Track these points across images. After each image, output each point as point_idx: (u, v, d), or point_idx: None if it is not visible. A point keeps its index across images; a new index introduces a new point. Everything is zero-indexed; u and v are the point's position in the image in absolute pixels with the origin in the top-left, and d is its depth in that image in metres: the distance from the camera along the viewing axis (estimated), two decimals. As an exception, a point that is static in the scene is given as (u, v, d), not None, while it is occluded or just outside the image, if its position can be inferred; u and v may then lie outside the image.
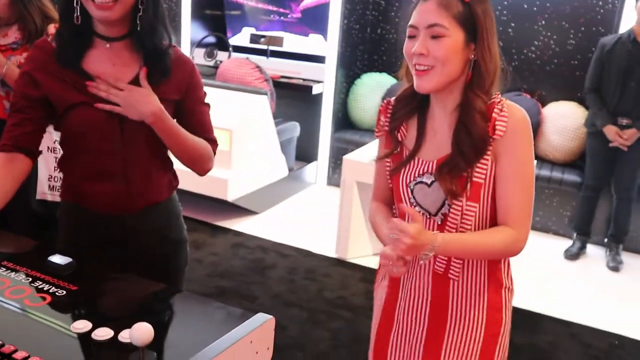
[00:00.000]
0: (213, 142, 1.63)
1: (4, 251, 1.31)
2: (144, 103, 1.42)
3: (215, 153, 1.63)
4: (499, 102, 1.32)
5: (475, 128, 1.29)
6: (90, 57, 1.47)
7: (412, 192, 1.39)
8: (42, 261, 1.22)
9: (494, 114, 1.30)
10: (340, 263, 3.56)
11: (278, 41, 5.06)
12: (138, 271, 1.33)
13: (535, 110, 4.16)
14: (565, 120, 4.10)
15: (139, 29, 1.43)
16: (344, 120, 4.89)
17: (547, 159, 4.21)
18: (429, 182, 1.36)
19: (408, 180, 1.40)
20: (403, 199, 1.41)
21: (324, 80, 4.70)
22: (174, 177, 1.64)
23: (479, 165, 1.31)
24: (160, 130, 1.46)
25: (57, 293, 1.11)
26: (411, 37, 1.30)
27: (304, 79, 4.79)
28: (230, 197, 3.90)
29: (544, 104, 4.28)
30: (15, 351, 0.84)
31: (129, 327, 0.94)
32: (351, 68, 4.83)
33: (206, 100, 1.63)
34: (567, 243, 4.00)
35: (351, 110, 4.85)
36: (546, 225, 4.24)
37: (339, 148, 4.70)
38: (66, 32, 1.44)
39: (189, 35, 5.26)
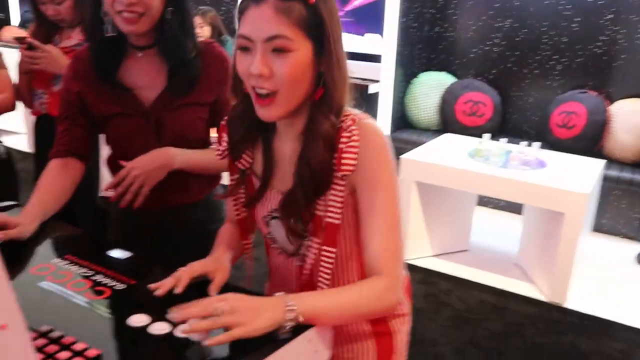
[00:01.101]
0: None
1: (67, 245, 1.34)
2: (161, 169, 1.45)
3: None
4: (349, 125, 1.05)
5: (316, 159, 1.05)
6: (125, 67, 1.50)
7: (268, 226, 1.20)
8: (103, 255, 1.23)
9: (340, 145, 1.05)
10: (398, 264, 3.49)
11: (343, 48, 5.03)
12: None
13: (601, 108, 3.99)
14: (635, 117, 3.91)
15: (163, 39, 1.44)
16: (402, 120, 4.82)
17: (615, 159, 4.02)
18: (280, 218, 1.15)
19: (264, 214, 1.19)
20: (261, 233, 1.25)
21: (380, 80, 4.65)
22: (215, 177, 1.65)
23: (330, 203, 1.09)
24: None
25: (116, 287, 1.12)
26: (243, 49, 1.02)
27: (360, 78, 4.75)
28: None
29: (611, 101, 4.09)
30: (74, 342, 0.85)
31: (185, 322, 0.94)
32: (409, 67, 4.75)
33: None
34: (637, 247, 3.81)
35: (409, 110, 4.77)
36: (615, 228, 4.05)
37: (397, 148, 4.60)
38: (100, 44, 1.47)
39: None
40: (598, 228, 4.09)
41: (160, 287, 1.08)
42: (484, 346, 2.73)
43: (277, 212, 1.14)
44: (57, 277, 1.14)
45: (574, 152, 3.75)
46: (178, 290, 1.07)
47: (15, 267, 1.19)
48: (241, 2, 1.03)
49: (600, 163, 3.45)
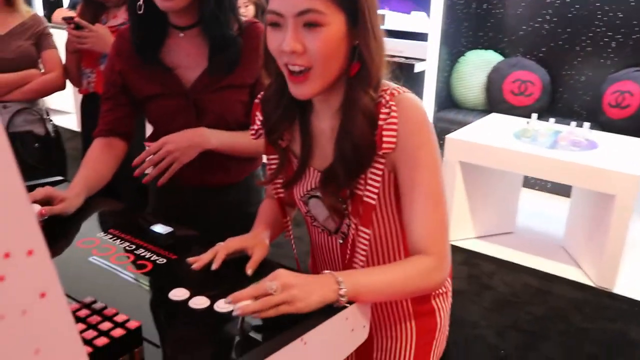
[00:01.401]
0: None
1: (111, 219, 1.37)
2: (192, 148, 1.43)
3: None
4: (387, 100, 1.02)
5: (358, 133, 1.02)
6: (167, 47, 1.49)
7: (307, 205, 1.18)
8: (145, 230, 1.26)
9: (380, 122, 1.02)
10: (440, 246, 3.46)
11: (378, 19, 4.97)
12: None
13: (659, 87, 3.82)
14: (694, 97, 3.73)
15: (204, 19, 1.41)
16: (447, 99, 4.74)
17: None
18: (320, 195, 1.13)
19: (301, 194, 1.17)
20: (301, 212, 1.22)
21: (427, 58, 4.57)
22: (255, 158, 1.64)
23: (369, 182, 1.06)
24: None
25: (158, 261, 1.14)
26: (274, 25, 0.99)
27: (405, 57, 4.68)
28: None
29: (669, 80, 3.92)
30: (116, 314, 0.87)
31: (225, 297, 0.95)
32: (455, 45, 4.66)
33: None
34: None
35: (455, 89, 4.69)
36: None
37: (442, 128, 4.56)
38: (139, 23, 1.45)
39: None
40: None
41: (198, 261, 1.09)
42: (527, 330, 2.68)
43: (317, 190, 1.13)
44: (101, 251, 1.17)
45: (627, 133, 3.61)
46: (215, 266, 1.08)
47: (61, 240, 1.23)
48: None
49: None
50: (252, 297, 0.92)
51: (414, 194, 1.04)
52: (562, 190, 3.99)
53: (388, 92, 1.04)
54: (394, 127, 1.02)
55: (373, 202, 1.07)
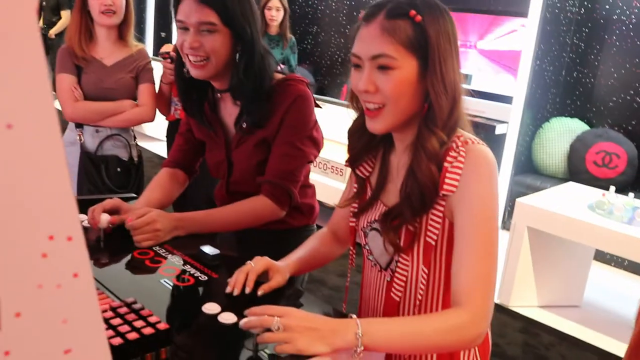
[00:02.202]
0: (274, 190, 1.53)
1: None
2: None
3: (286, 201, 1.55)
4: (458, 145, 1.07)
5: (422, 174, 1.06)
6: (220, 104, 1.61)
7: (366, 237, 1.22)
8: (195, 249, 1.38)
9: (445, 163, 1.06)
10: (500, 309, 3.39)
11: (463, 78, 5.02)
12: None
13: None
14: None
15: (232, 85, 1.49)
16: (527, 164, 4.68)
17: None
18: (381, 230, 1.16)
19: (364, 224, 1.22)
20: (360, 243, 1.26)
21: (509, 121, 4.56)
22: (312, 211, 1.74)
23: (430, 222, 1.10)
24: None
25: (200, 278, 1.25)
26: (356, 66, 1.09)
27: (487, 118, 4.69)
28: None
29: None
30: (150, 315, 0.98)
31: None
32: (539, 110, 4.62)
33: (302, 146, 1.54)
34: None
35: (536, 154, 4.63)
36: None
37: (517, 192, 4.50)
38: (184, 83, 1.56)
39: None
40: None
41: (236, 286, 1.19)
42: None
43: (378, 223, 1.18)
44: (153, 262, 1.31)
45: None
46: (248, 290, 1.18)
47: (122, 249, 1.37)
48: (357, 23, 1.11)
49: None
50: (259, 325, 0.98)
51: (466, 241, 1.05)
52: (638, 268, 3.81)
53: (462, 138, 1.09)
54: (459, 171, 1.06)
55: (433, 242, 1.11)
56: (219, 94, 1.59)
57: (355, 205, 1.28)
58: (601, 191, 3.51)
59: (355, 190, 1.28)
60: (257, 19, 1.49)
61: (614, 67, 4.37)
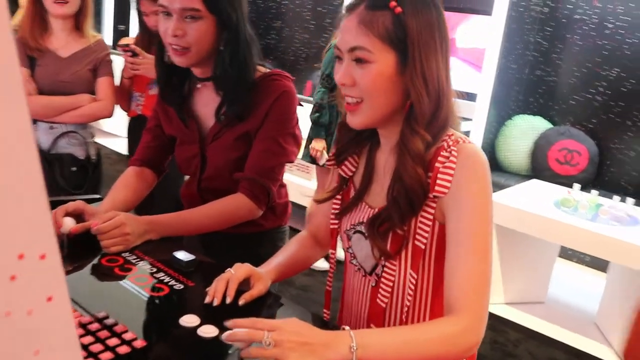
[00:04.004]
0: (253, 188, 1.46)
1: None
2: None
3: (264, 200, 1.48)
4: (449, 145, 1.02)
5: (408, 177, 1.02)
6: (192, 96, 1.54)
7: (350, 240, 1.18)
8: (169, 255, 1.30)
9: (437, 164, 1.02)
10: (468, 307, 3.39)
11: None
12: None
13: None
14: None
15: (216, 74, 1.43)
16: (491, 161, 4.68)
17: None
18: (366, 233, 1.12)
19: (347, 227, 1.18)
20: (342, 246, 1.21)
21: (473, 119, 4.58)
22: (285, 211, 1.68)
23: (419, 225, 1.05)
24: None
25: (175, 287, 1.17)
26: (338, 58, 1.06)
27: (452, 115, 4.69)
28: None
29: None
30: (125, 331, 0.90)
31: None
32: (503, 108, 4.66)
33: (284, 143, 1.47)
34: None
35: (499, 152, 4.66)
36: None
37: (481, 189, 4.53)
38: (164, 70, 1.50)
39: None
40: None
41: (215, 297, 1.11)
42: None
43: (364, 226, 1.13)
44: (123, 270, 1.21)
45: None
46: (229, 299, 1.11)
47: (89, 256, 1.28)
48: (340, 13, 1.07)
49: None
50: (247, 340, 0.90)
51: (460, 244, 1.00)
52: (601, 264, 3.87)
53: (453, 137, 1.05)
54: (451, 171, 1.02)
55: (423, 246, 1.07)
56: (198, 83, 1.51)
57: (337, 206, 1.22)
58: (565, 188, 3.55)
59: (333, 188, 1.23)
60: (244, 5, 1.43)
61: (576, 66, 4.43)
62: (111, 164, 2.69)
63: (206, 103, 1.51)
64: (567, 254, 4.16)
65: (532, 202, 3.31)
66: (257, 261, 1.29)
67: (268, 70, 1.50)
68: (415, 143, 1.02)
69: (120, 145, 5.64)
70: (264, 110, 1.45)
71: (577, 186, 3.35)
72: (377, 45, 0.99)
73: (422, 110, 1.01)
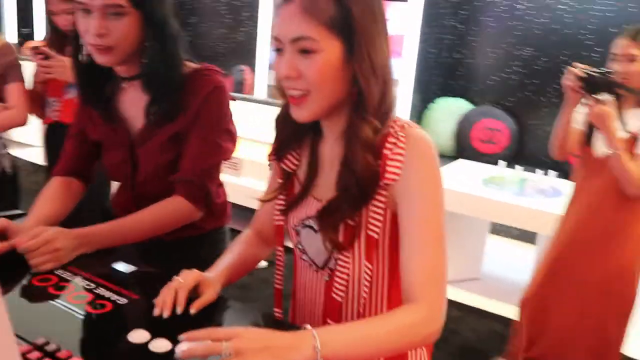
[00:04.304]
0: (190, 189, 1.39)
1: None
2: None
3: (203, 201, 1.42)
4: (396, 131, 1.01)
5: (358, 164, 0.99)
6: (116, 96, 1.45)
7: (299, 235, 1.15)
8: (107, 267, 1.21)
9: (385, 150, 1.00)
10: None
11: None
12: None
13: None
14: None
15: (143, 72, 1.35)
16: (417, 145, 4.80)
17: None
18: (316, 227, 1.09)
19: (295, 222, 1.15)
20: (291, 242, 1.19)
21: (397, 104, 4.64)
22: (224, 212, 1.62)
23: (371, 214, 1.03)
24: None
25: (118, 301, 1.09)
26: (278, 50, 1.00)
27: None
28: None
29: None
30: (70, 357, 0.82)
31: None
32: (426, 92, 4.75)
33: (220, 141, 1.41)
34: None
35: (424, 135, 4.76)
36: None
37: (410, 173, 4.60)
38: (82, 70, 1.41)
39: (267, 57, 5.34)
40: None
41: (164, 308, 1.04)
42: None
43: (313, 220, 1.10)
44: (58, 289, 1.12)
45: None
46: (180, 309, 1.04)
47: (17, 277, 1.17)
48: (277, 1, 1.02)
49: (618, 195, 3.38)
50: (204, 354, 0.84)
51: (413, 232, 0.99)
52: (529, 237, 4.03)
53: (398, 123, 1.03)
54: (400, 157, 1.00)
55: (376, 236, 1.04)
56: (123, 83, 1.41)
57: (282, 202, 1.18)
58: (491, 166, 3.66)
59: (278, 184, 1.18)
60: None
61: (491, 47, 4.57)
62: (27, 176, 2.51)
63: (133, 103, 1.42)
64: (496, 229, 4.30)
65: (461, 181, 3.38)
66: (200, 265, 1.22)
67: (197, 66, 1.43)
68: (365, 130, 0.99)
69: (33, 155, 5.33)
70: (195, 108, 1.37)
71: (502, 163, 3.46)
72: (322, 33, 0.95)
73: (371, 97, 0.99)
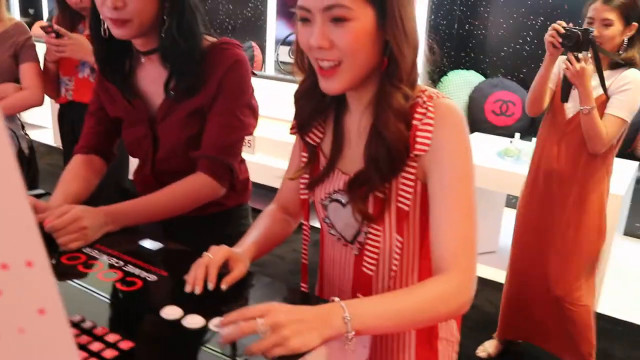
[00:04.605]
0: (214, 166, 1.38)
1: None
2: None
3: (227, 178, 1.41)
4: (424, 101, 0.99)
5: (390, 133, 0.97)
6: (136, 72, 1.43)
7: (326, 210, 1.14)
8: (134, 245, 1.20)
9: (415, 121, 0.98)
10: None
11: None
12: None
13: (638, 109, 3.88)
14: (672, 119, 3.79)
15: (162, 45, 1.33)
16: (429, 119, 4.76)
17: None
18: (343, 201, 1.09)
19: (322, 196, 1.14)
20: (318, 217, 1.18)
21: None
22: (246, 189, 1.61)
23: (400, 186, 1.02)
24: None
25: (148, 278, 1.09)
26: (304, 20, 0.97)
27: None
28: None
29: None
30: (106, 334, 0.81)
31: (220, 315, 0.90)
32: (437, 65, 4.68)
33: (242, 116, 1.38)
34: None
35: (436, 109, 4.71)
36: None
37: (423, 147, 4.57)
38: (102, 45, 1.39)
39: (274, 33, 5.28)
40: (630, 232, 3.99)
41: (196, 284, 1.03)
42: (511, 348, 2.66)
43: (341, 194, 1.09)
44: (87, 267, 1.12)
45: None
46: (212, 286, 1.03)
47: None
48: None
49: (634, 165, 3.35)
50: (239, 336, 0.84)
51: (444, 202, 0.98)
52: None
53: (426, 93, 1.01)
54: (430, 127, 0.98)
55: (407, 208, 1.03)
56: (142, 58, 1.39)
57: (306, 176, 1.16)
58: (505, 139, 3.62)
59: (305, 159, 1.16)
60: None
61: (503, 18, 4.50)
62: (41, 157, 2.51)
63: (152, 79, 1.40)
64: (512, 202, 4.27)
65: (476, 154, 3.33)
66: (224, 242, 1.19)
67: (216, 40, 1.40)
68: (397, 98, 0.97)
69: (45, 136, 5.33)
70: (216, 82, 1.35)
71: (517, 135, 3.42)
72: (355, 1, 0.92)
73: (405, 63, 0.97)
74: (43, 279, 0.48)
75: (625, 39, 2.12)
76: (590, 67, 2.05)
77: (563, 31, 2.08)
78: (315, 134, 1.13)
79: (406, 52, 0.97)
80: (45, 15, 6.35)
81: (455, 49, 4.74)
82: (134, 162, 2.32)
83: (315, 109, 1.10)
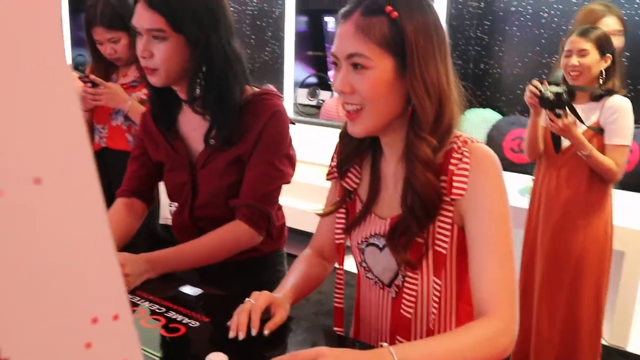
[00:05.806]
0: (252, 214, 1.40)
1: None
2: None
3: (264, 226, 1.43)
4: (459, 147, 1.02)
5: (419, 182, 1.00)
6: (179, 117, 1.48)
7: (363, 254, 1.16)
8: (174, 291, 1.23)
9: (451, 167, 1.01)
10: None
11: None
12: None
13: (658, 144, 3.87)
14: (693, 154, 3.78)
15: (189, 95, 1.36)
16: (447, 157, 4.78)
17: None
18: (380, 245, 1.11)
19: (359, 240, 1.16)
20: (355, 260, 1.20)
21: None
22: (281, 235, 1.62)
23: (438, 230, 1.04)
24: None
25: (190, 324, 1.11)
26: (335, 65, 1.04)
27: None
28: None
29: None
30: (158, 381, 0.83)
31: (266, 360, 0.92)
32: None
33: (280, 165, 1.40)
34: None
35: (454, 147, 4.74)
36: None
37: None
38: (156, 94, 1.44)
39: (292, 75, 5.38)
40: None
41: (240, 330, 1.05)
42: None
43: (377, 238, 1.11)
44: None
45: (629, 189, 3.64)
46: (255, 331, 1.05)
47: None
48: (337, 20, 1.04)
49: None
50: None
51: (483, 246, 0.99)
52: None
53: (461, 139, 1.04)
54: (466, 172, 1.01)
55: (444, 251, 1.05)
56: (183, 105, 1.44)
57: (342, 220, 1.19)
58: (525, 176, 3.62)
59: (336, 201, 1.20)
60: (221, 21, 1.33)
61: (518, 57, 4.56)
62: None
63: (194, 126, 1.45)
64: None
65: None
66: (260, 287, 1.21)
67: (257, 89, 1.44)
68: (422, 148, 1.00)
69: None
70: (256, 133, 1.38)
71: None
72: (375, 51, 0.98)
73: (425, 114, 1.00)
74: (127, 332, 0.50)
75: (603, 70, 2.23)
76: (570, 119, 2.15)
77: (539, 93, 2.18)
78: (352, 178, 1.17)
79: (427, 104, 0.99)
80: (69, 63, 6.51)
81: (471, 88, 4.78)
82: (163, 207, 2.35)
83: (356, 149, 1.14)
